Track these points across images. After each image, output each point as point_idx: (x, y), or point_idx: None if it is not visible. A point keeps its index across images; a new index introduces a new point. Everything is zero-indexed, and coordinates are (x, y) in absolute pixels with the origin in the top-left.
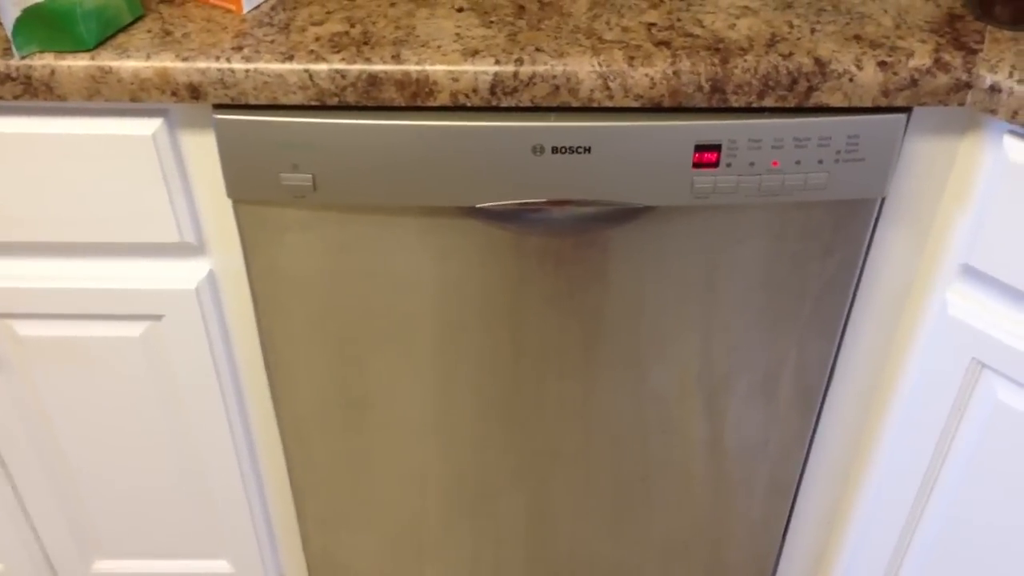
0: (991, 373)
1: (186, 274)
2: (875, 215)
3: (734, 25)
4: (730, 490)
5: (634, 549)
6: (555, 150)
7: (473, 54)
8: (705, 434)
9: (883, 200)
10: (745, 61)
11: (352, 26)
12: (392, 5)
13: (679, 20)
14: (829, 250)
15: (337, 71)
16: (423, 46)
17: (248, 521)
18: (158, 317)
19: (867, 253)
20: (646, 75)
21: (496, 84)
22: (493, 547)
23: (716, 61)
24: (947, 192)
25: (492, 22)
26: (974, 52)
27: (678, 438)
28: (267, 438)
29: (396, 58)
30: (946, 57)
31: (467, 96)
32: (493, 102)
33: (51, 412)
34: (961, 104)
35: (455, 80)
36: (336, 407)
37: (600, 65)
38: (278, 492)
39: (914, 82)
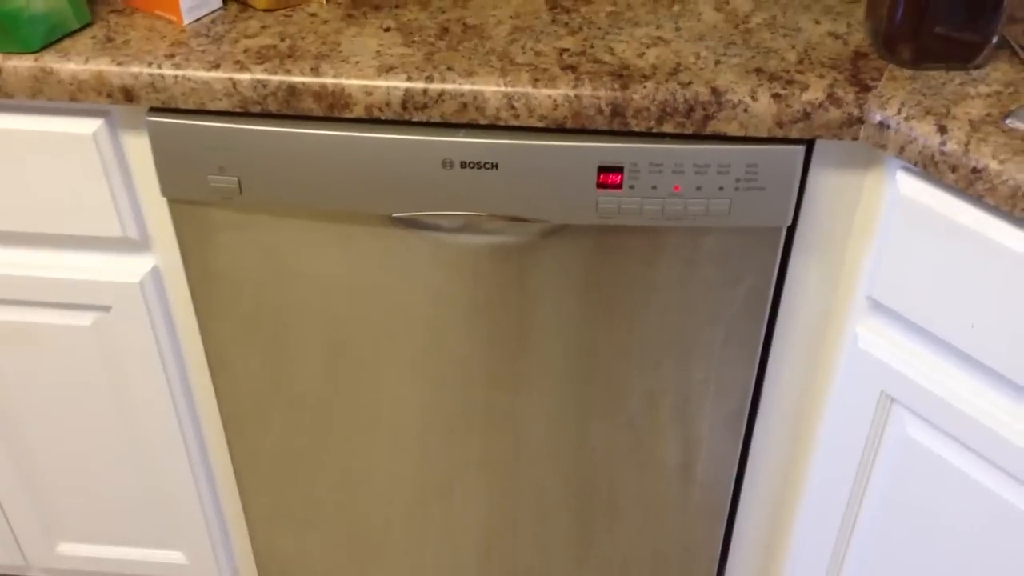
0: (900, 407)
1: (131, 268)
2: (781, 244)
3: (643, 54)
4: (661, 510)
5: (571, 564)
6: (464, 165)
7: (388, 70)
8: (630, 453)
9: (794, 229)
10: (644, 87)
11: (282, 40)
12: (324, 23)
13: (592, 47)
14: (738, 277)
15: (259, 81)
16: (343, 61)
17: (200, 514)
18: (107, 308)
19: (783, 282)
20: (549, 96)
21: (407, 99)
22: (433, 550)
23: (617, 86)
24: (855, 225)
25: (414, 42)
26: (868, 89)
27: (603, 455)
28: (216, 434)
29: (315, 71)
30: (839, 92)
31: (380, 110)
32: (405, 116)
33: (13, 395)
34: (855, 139)
35: (368, 94)
36: (274, 406)
37: (506, 85)
38: (228, 487)
39: (807, 115)
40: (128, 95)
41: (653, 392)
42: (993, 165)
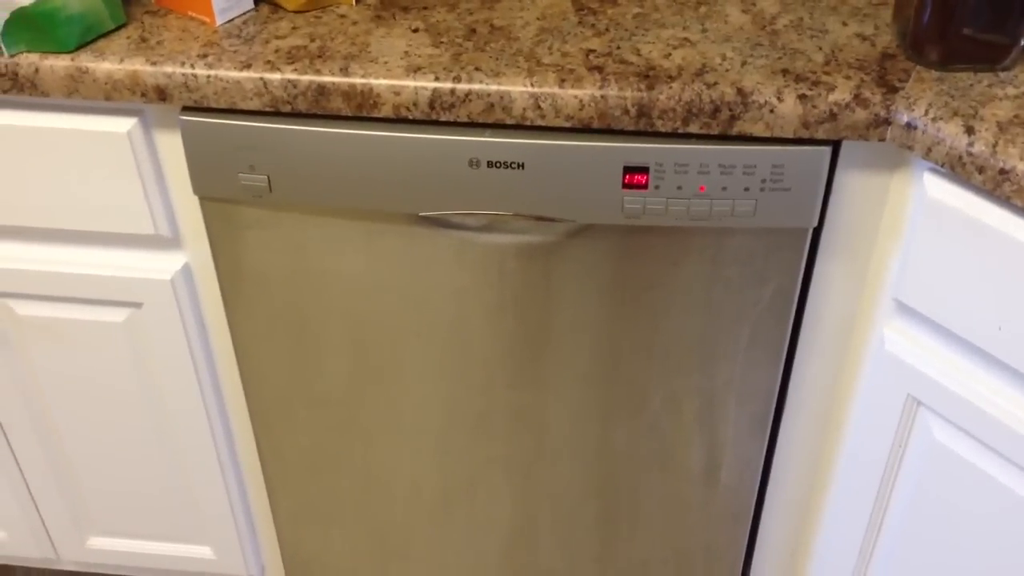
0: (926, 411)
1: (163, 265)
2: (807, 245)
3: (669, 55)
4: (685, 513)
5: (592, 564)
6: (490, 164)
7: (416, 70)
8: (653, 454)
9: (820, 231)
10: (670, 88)
11: (312, 41)
12: (353, 24)
13: (618, 48)
14: (763, 278)
15: (289, 80)
16: (372, 61)
17: (228, 510)
18: (139, 305)
19: (809, 283)
20: (575, 97)
21: (435, 99)
22: (456, 548)
23: (643, 87)
24: (882, 226)
25: (442, 43)
26: (896, 90)
27: (626, 456)
28: (244, 430)
29: (344, 71)
30: (866, 93)
31: (408, 109)
32: (433, 116)
33: (47, 390)
34: (882, 140)
35: (396, 94)
36: (301, 404)
37: (533, 86)
38: (256, 484)
39: (833, 116)
40: (162, 94)
41: (677, 393)
42: (1021, 167)
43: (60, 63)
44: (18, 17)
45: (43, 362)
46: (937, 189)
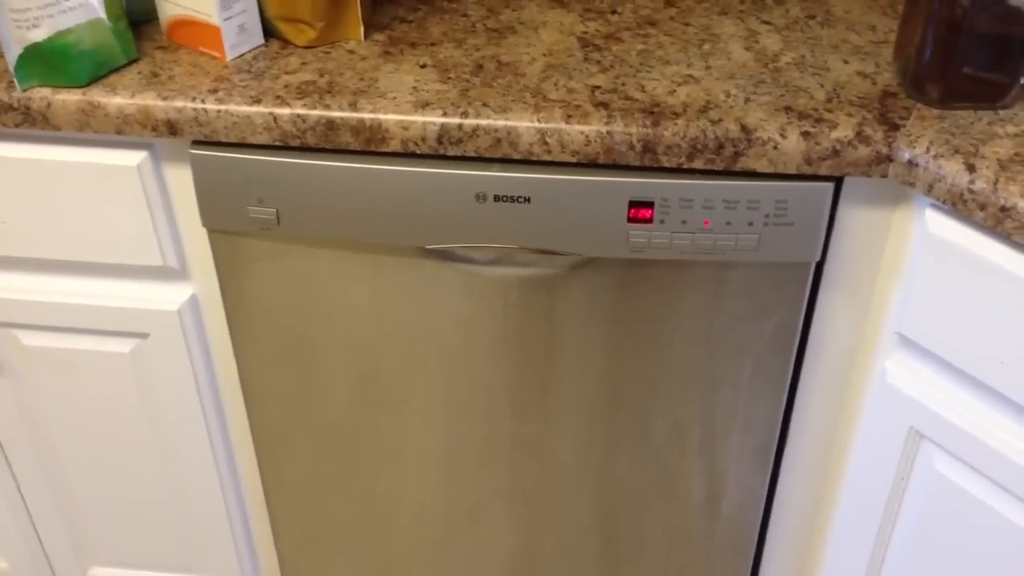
0: (929, 443)
1: (170, 296)
2: (810, 279)
3: (674, 91)
4: (687, 544)
5: None
6: (497, 198)
7: (424, 106)
8: (656, 485)
9: (823, 265)
10: (675, 124)
11: (321, 76)
12: (362, 60)
13: (623, 84)
14: (767, 311)
15: (298, 115)
16: (380, 96)
17: (229, 540)
18: (145, 336)
19: (811, 317)
20: (581, 132)
21: (442, 134)
22: None
23: (648, 123)
24: (884, 261)
25: (449, 78)
26: (897, 127)
27: (629, 487)
28: (248, 461)
29: (353, 106)
30: (868, 130)
31: (416, 144)
32: (440, 150)
33: (51, 420)
34: (884, 176)
35: (405, 128)
36: (304, 433)
37: (539, 121)
38: (258, 514)
39: (836, 152)
40: (172, 128)
41: (679, 425)
42: (1021, 204)
43: (72, 97)
44: (32, 52)
45: (48, 392)
46: (938, 225)
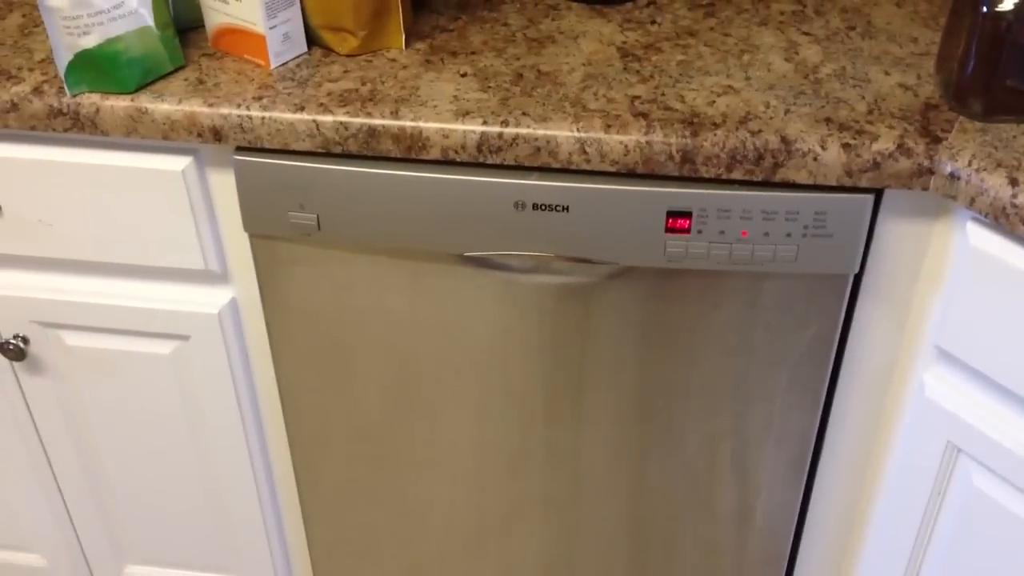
0: (967, 458)
1: (211, 299)
2: (848, 291)
3: (714, 102)
4: (719, 555)
5: None
6: (536, 207)
7: (464, 114)
8: (688, 495)
9: (861, 276)
10: (715, 135)
11: (363, 84)
12: (404, 68)
13: (663, 95)
14: (804, 323)
15: (341, 123)
16: (421, 105)
17: (264, 542)
18: (185, 338)
19: (849, 329)
20: (620, 142)
21: (482, 142)
22: None
23: (687, 133)
24: (923, 274)
25: (490, 87)
26: (939, 140)
27: (661, 497)
28: (284, 463)
29: (394, 114)
30: (910, 143)
31: (456, 152)
32: (480, 159)
33: (91, 419)
34: (925, 189)
35: (445, 137)
36: (341, 438)
37: (579, 131)
38: (292, 517)
39: (876, 165)
40: (217, 135)
41: (713, 435)
42: None
43: (120, 103)
44: (81, 58)
45: (90, 392)
46: (980, 239)
